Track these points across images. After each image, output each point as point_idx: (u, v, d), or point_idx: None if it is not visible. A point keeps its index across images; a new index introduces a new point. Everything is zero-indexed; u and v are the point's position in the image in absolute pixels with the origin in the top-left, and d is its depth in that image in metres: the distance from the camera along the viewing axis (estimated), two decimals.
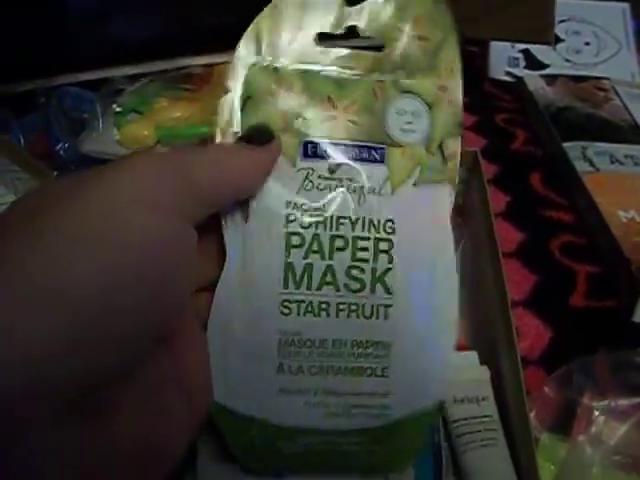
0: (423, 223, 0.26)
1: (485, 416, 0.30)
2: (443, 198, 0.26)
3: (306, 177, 0.25)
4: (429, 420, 0.26)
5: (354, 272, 0.25)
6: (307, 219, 0.25)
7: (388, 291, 0.25)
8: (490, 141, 0.50)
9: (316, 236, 0.25)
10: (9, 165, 0.41)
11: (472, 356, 0.33)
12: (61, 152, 0.44)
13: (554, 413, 0.32)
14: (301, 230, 0.25)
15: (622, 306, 0.39)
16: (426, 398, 0.25)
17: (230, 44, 0.44)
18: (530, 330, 0.38)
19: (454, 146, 0.27)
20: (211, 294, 0.24)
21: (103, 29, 0.46)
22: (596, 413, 0.31)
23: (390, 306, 0.25)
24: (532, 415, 0.31)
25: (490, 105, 0.54)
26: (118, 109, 0.44)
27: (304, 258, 0.25)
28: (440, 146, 0.26)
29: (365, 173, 0.26)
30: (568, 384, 0.32)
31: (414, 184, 0.26)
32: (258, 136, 0.24)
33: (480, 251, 0.36)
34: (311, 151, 0.26)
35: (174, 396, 0.22)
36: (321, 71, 0.26)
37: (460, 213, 0.38)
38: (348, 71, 0.26)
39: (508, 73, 0.56)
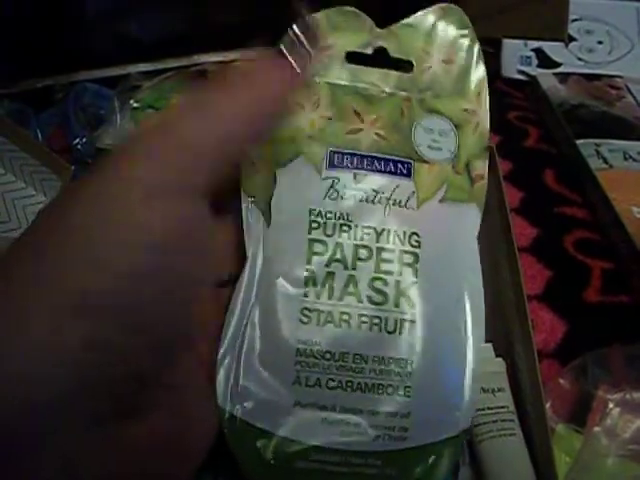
0: (449, 240, 0.25)
1: (501, 407, 0.30)
2: (470, 218, 0.26)
3: (331, 186, 0.25)
4: (452, 448, 0.24)
5: (377, 284, 0.24)
6: (330, 227, 0.24)
7: (413, 306, 0.24)
8: (503, 138, 0.50)
9: (339, 244, 0.24)
10: (27, 159, 0.41)
11: (487, 349, 0.33)
12: (79, 147, 0.45)
13: (569, 405, 0.32)
14: (324, 238, 0.24)
15: (636, 301, 0.39)
16: (450, 423, 0.24)
17: (244, 42, 0.44)
18: (545, 324, 0.38)
19: (481, 168, 0.27)
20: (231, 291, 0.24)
21: (120, 27, 0.47)
22: (611, 405, 0.31)
23: (414, 322, 0.24)
24: (547, 407, 0.31)
25: (503, 103, 0.54)
26: (135, 105, 0.44)
27: (326, 266, 0.24)
28: (467, 166, 0.26)
29: (391, 186, 0.25)
30: (583, 376, 0.32)
31: (440, 201, 0.26)
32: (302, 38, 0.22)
33: (496, 246, 0.36)
34: (337, 161, 0.25)
35: (198, 394, 0.22)
36: (349, 86, 0.26)
37: None
38: (376, 88, 0.26)
39: (521, 72, 0.56)
